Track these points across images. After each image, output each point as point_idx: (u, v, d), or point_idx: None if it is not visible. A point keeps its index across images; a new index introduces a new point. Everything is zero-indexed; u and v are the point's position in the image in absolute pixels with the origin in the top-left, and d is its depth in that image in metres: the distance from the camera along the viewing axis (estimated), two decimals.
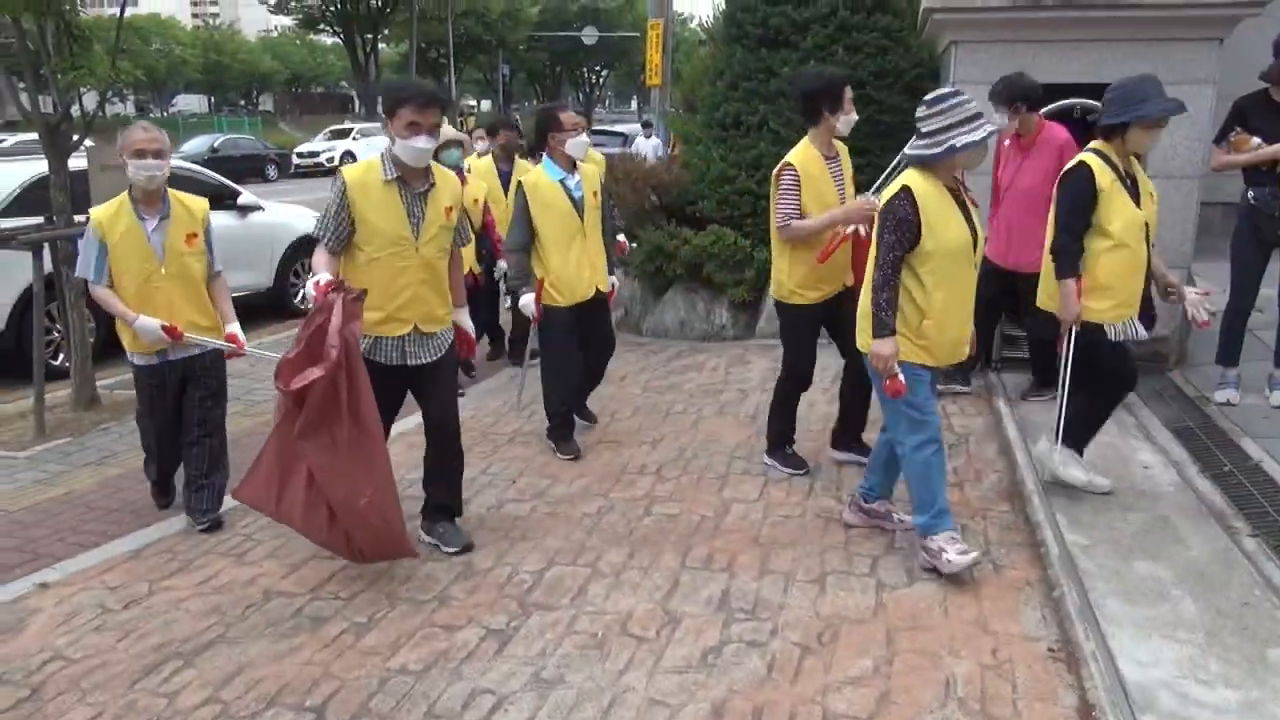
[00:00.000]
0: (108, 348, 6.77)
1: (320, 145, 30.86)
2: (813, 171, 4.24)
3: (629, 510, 4.24)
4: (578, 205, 4.78)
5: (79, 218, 6.07)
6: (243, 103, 70.69)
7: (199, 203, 4.21)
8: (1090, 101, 5.40)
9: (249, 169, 25.82)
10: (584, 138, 4.86)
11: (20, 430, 5.70)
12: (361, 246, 3.55)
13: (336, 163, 29.06)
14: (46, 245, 5.80)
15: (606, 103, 76.56)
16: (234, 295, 7.72)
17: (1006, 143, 5.21)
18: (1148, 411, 5.07)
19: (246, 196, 8.91)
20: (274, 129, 49.16)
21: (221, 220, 8.50)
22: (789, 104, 7.25)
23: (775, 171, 4.32)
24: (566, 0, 51.12)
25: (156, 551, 4.00)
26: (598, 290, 4.92)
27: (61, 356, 6.74)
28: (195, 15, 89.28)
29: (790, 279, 4.34)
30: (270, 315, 8.37)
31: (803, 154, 4.28)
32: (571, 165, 4.82)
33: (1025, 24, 5.55)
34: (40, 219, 5.96)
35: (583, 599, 3.46)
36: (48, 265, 5.84)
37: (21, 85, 6.04)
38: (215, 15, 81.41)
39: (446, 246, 3.72)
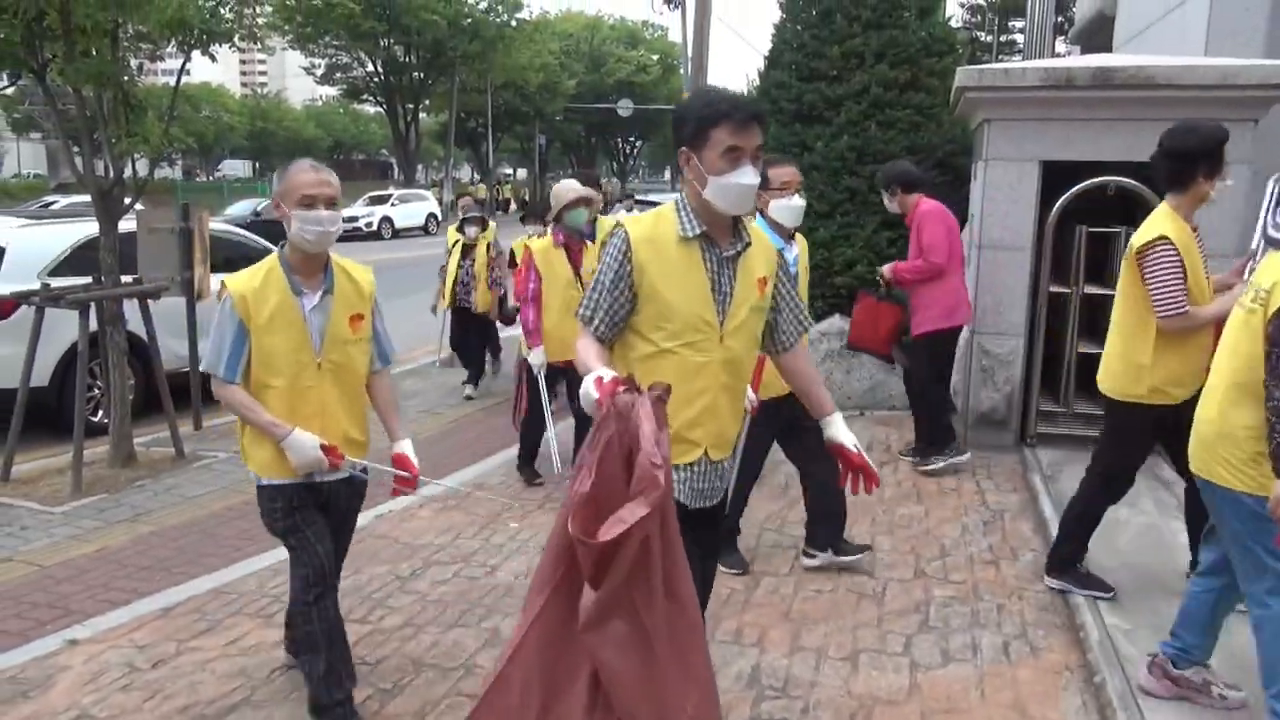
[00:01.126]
0: (147, 405, 6.90)
1: (359, 210, 31.44)
2: (1190, 247, 3.53)
3: None
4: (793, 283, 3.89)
5: (126, 278, 6.25)
6: None
7: (365, 274, 3.18)
8: (1124, 180, 5.42)
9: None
10: (797, 201, 3.96)
11: (58, 486, 5.77)
12: (645, 333, 2.45)
13: (374, 228, 29.73)
14: (93, 304, 5.95)
15: (640, 173, 77.79)
16: None
17: None
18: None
19: None
20: None
21: None
22: (821, 177, 7.35)
23: (1138, 246, 3.56)
24: (603, 74, 52.35)
25: (185, 611, 4.01)
26: None
27: (101, 413, 6.85)
28: (244, 84, 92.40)
29: (1155, 374, 3.57)
30: None
31: (1174, 225, 3.52)
32: (789, 234, 4.03)
33: (1058, 103, 5.60)
34: (88, 279, 6.12)
35: None
36: (93, 324, 5.98)
37: (76, 150, 6.24)
38: (264, 84, 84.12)
39: (757, 334, 2.61)
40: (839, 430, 2.64)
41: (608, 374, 2.20)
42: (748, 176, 2.39)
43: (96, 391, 7.03)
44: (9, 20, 5.40)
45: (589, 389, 2.18)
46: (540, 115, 49.93)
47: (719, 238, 2.49)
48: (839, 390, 7.06)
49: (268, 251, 9.02)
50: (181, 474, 6.02)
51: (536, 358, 5.43)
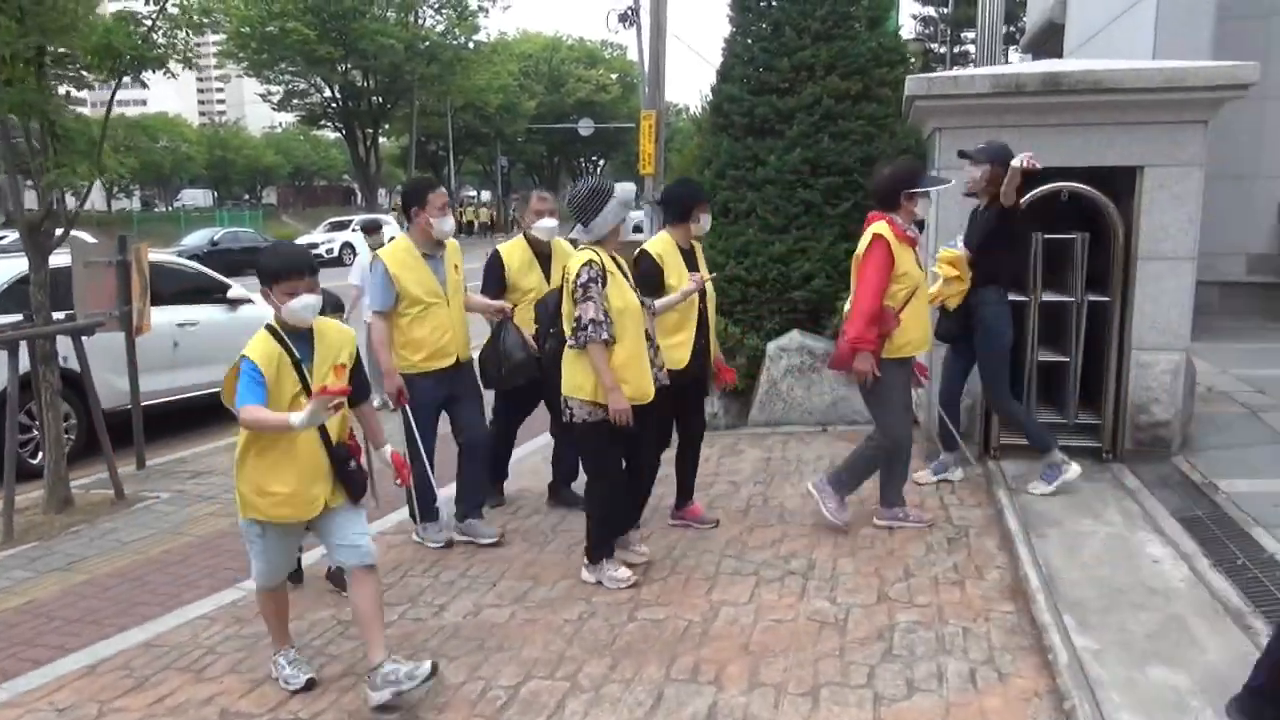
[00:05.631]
0: (90, 445, 6.63)
1: (319, 237, 31.08)
2: None
3: (612, 615, 4.02)
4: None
5: (58, 314, 6.00)
6: (247, 196, 71.88)
7: None
8: (1077, 185, 5.35)
9: (248, 261, 25.89)
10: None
11: None
12: None
13: (335, 254, 29.40)
14: (24, 344, 5.70)
15: None
16: (218, 389, 7.49)
17: None
18: (1154, 500, 4.87)
19: (237, 290, 8.85)
20: (276, 221, 49.81)
21: (211, 314, 8.48)
22: (775, 191, 7.25)
23: None
24: (563, 94, 52.32)
25: (112, 667, 3.78)
26: None
27: (41, 455, 6.58)
28: (203, 113, 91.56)
29: None
30: None
31: None
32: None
33: (1008, 109, 5.53)
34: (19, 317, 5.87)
35: (559, 717, 3.23)
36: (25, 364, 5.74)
37: (29, 184, 6.03)
38: (222, 113, 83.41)
39: None
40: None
41: None
42: None
43: (37, 433, 6.76)
44: None
45: None
46: (501, 136, 49.87)
47: None
48: (799, 406, 6.94)
49: (215, 282, 8.86)
50: (120, 517, 5.78)
51: None
